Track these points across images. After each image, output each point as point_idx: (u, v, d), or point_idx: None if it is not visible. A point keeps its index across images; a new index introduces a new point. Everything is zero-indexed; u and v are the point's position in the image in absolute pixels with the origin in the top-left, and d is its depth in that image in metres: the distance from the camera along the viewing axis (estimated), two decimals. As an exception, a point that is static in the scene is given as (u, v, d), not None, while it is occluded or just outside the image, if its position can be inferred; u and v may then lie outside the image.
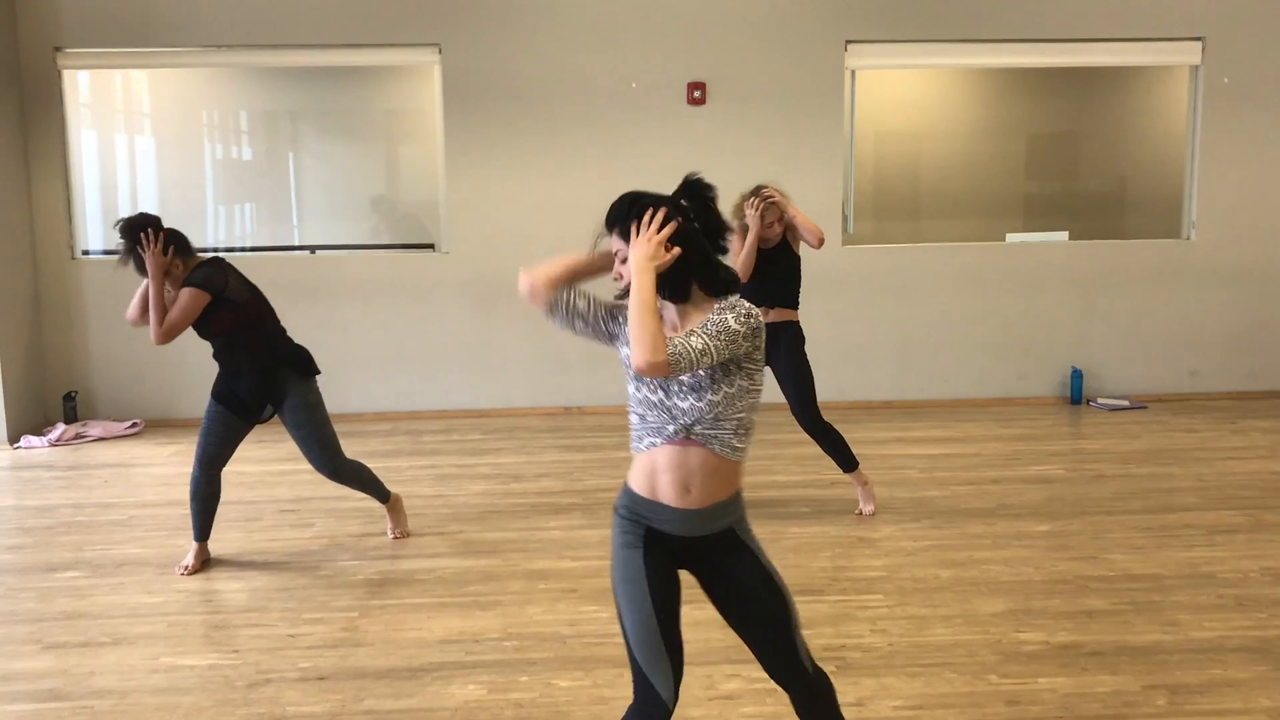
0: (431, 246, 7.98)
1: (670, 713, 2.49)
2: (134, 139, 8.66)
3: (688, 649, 3.46)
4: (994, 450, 6.63)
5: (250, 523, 5.40)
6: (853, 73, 8.68)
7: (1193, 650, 3.79)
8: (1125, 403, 7.80)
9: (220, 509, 5.51)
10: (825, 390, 7.73)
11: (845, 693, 3.50)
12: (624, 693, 3.48)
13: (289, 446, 6.91)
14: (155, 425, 7.56)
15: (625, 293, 2.52)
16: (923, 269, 7.91)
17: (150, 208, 8.39)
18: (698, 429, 2.46)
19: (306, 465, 6.40)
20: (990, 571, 4.56)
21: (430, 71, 7.67)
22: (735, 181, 7.76)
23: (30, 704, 3.52)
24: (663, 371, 2.31)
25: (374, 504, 5.67)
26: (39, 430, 7.26)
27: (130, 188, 8.46)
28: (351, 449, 6.84)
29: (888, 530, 5.13)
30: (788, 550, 4.83)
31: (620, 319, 2.57)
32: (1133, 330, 8.03)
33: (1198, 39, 7.80)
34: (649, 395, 2.48)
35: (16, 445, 7.06)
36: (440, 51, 7.53)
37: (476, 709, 3.44)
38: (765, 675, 2.81)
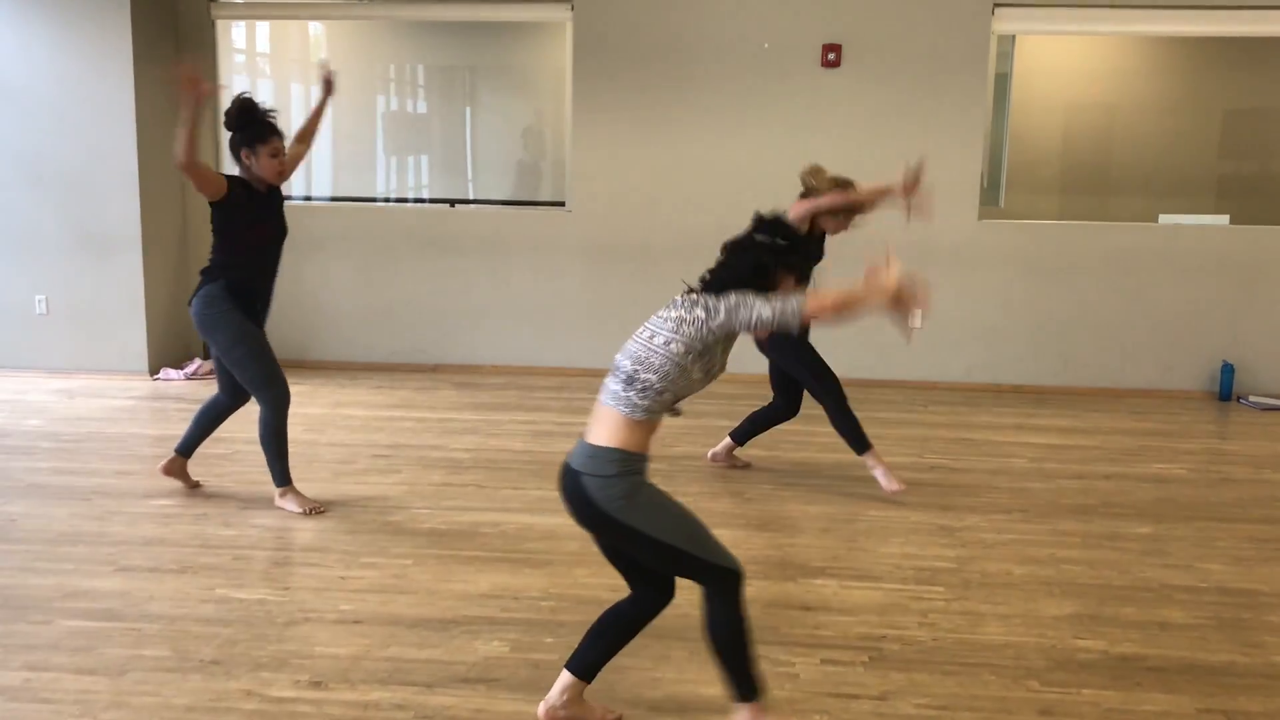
0: (563, 204, 8.01)
1: (744, 576, 2.91)
2: (288, 86, 8.99)
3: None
4: (1117, 444, 6.24)
5: (342, 465, 5.56)
6: (1013, 38, 8.27)
7: (1268, 675, 3.48)
8: (1279, 403, 7.23)
9: (316, 450, 5.77)
10: (950, 371, 7.49)
11: (869, 685, 3.38)
12: (641, 663, 3.46)
13: (401, 393, 7.14)
14: (287, 366, 7.77)
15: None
16: (1065, 248, 7.49)
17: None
18: None
19: (413, 413, 6.64)
20: (1069, 572, 4.30)
21: (563, 29, 7.67)
22: (868, 149, 7.55)
23: (86, 621, 3.72)
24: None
25: (460, 454, 5.78)
26: (179, 364, 7.66)
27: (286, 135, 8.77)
28: (463, 399, 7.03)
29: (973, 520, 4.90)
30: (859, 533, 4.67)
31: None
32: (1297, 325, 7.42)
33: (1393, 8, 7.09)
34: (697, 388, 2.87)
35: (156, 376, 7.47)
36: (573, 8, 7.51)
37: (494, 665, 3.45)
38: (788, 659, 3.04)
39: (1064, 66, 8.96)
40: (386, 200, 8.88)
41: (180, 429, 6.21)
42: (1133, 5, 7.23)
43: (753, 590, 4.05)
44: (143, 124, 7.31)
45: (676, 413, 2.89)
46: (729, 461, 5.67)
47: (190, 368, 7.54)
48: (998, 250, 7.49)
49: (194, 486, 5.10)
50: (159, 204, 7.56)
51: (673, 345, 2.77)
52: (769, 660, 3.51)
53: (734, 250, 2.97)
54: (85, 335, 7.48)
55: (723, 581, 2.86)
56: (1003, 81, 8.71)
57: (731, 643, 2.90)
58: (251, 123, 4.59)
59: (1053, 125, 9.09)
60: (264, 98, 8.46)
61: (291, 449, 4.95)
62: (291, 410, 4.86)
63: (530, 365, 7.85)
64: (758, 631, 3.68)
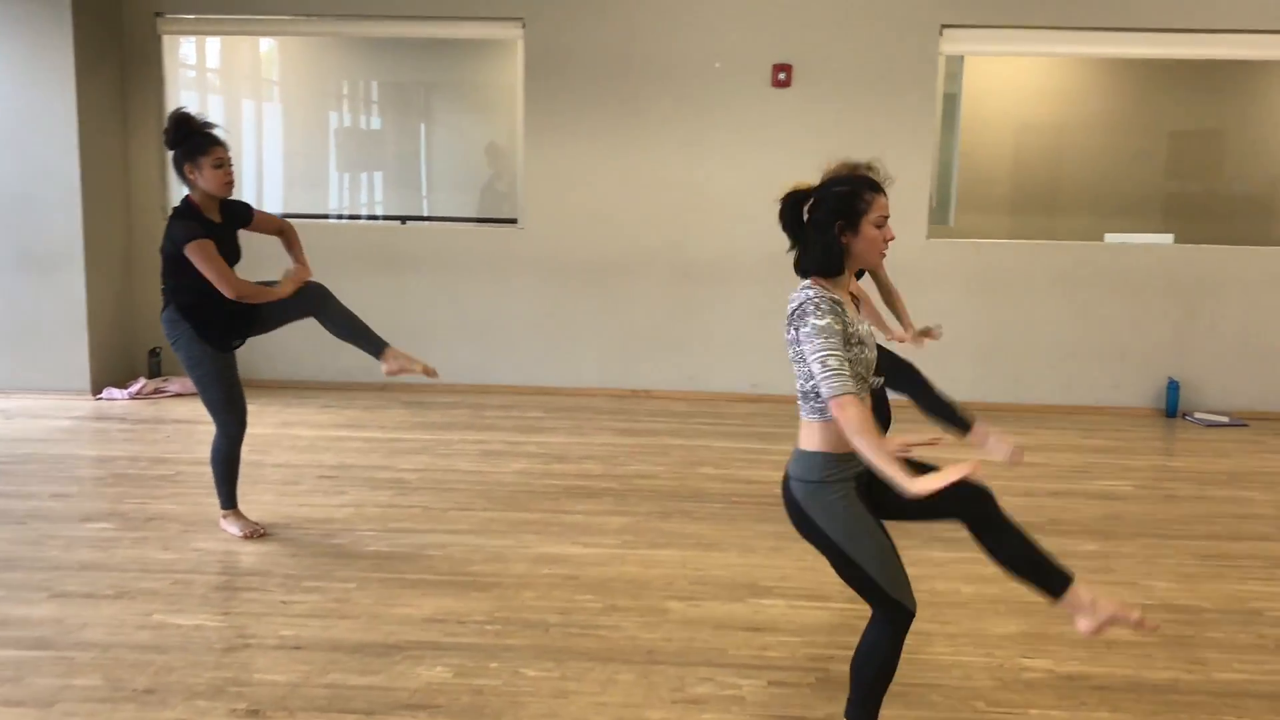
0: (515, 221, 7.96)
1: (914, 616, 2.89)
2: (239, 104, 8.91)
3: (670, 647, 3.42)
4: (1065, 461, 6.29)
5: (287, 486, 5.47)
6: (961, 59, 8.36)
7: (1210, 693, 3.50)
8: (1224, 419, 7.31)
9: (261, 471, 5.67)
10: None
11: (816, 708, 3.35)
12: (588, 688, 3.42)
13: (350, 413, 7.06)
14: (233, 385, 7.75)
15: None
16: (1013, 266, 7.55)
17: (249, 169, 8.67)
18: None
19: (361, 433, 6.56)
20: (1016, 590, 4.27)
21: (514, 46, 7.65)
22: (817, 167, 7.52)
23: (15, 650, 3.62)
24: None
25: (408, 474, 5.72)
26: (123, 384, 7.52)
27: (236, 151, 8.67)
28: (412, 419, 6.96)
29: (923, 538, 4.87)
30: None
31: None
32: (1240, 342, 7.52)
33: (1329, 32, 7.23)
34: (865, 356, 2.80)
35: (99, 396, 7.33)
36: (524, 25, 7.49)
37: (436, 691, 3.39)
38: (735, 680, 3.45)
39: (1014, 86, 9.06)
40: (339, 217, 8.80)
41: (123, 449, 6.13)
42: (1077, 27, 7.32)
43: (701, 611, 4.06)
44: (85, 140, 7.19)
45: (874, 385, 2.89)
46: None
47: (135, 387, 7.40)
48: (947, 269, 7.53)
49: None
50: (102, 221, 7.43)
51: (798, 359, 2.79)
52: (715, 682, 3.48)
53: (812, 203, 2.86)
54: (25, 354, 7.33)
55: (893, 615, 2.87)
56: (952, 101, 8.79)
57: (875, 675, 2.93)
58: (190, 135, 4.47)
59: (1002, 145, 9.18)
60: (215, 114, 8.49)
61: (240, 469, 4.86)
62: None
63: (482, 384, 7.79)
64: (705, 653, 3.68)
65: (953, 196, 8.99)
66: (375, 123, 9.45)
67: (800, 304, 2.75)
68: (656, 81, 7.47)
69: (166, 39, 7.78)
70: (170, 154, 4.55)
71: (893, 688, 3.35)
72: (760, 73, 7.43)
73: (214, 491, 4.80)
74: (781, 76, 7.40)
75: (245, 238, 4.69)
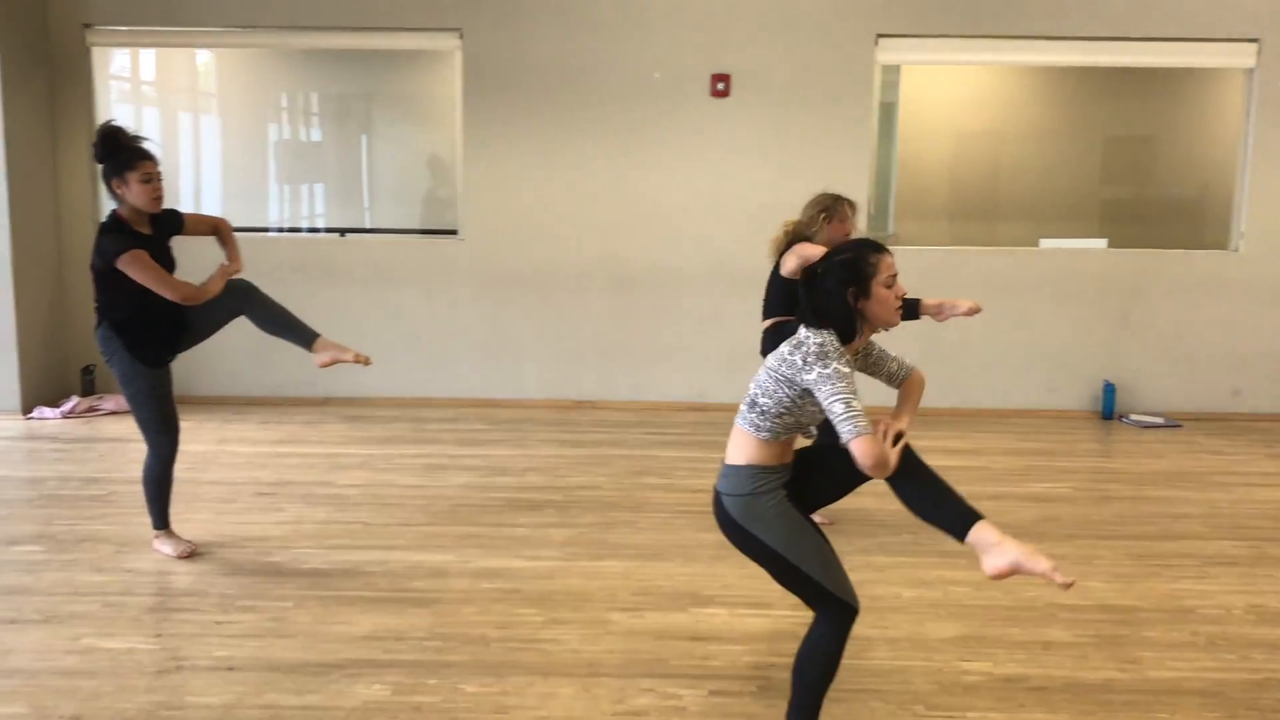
0: (455, 233, 7.91)
1: (857, 614, 2.96)
2: (176, 116, 8.77)
3: (612, 659, 3.40)
4: (1003, 465, 6.36)
5: (224, 504, 5.39)
6: (898, 68, 8.45)
7: (1144, 691, 3.54)
8: (1159, 420, 7.44)
9: (197, 489, 5.58)
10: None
11: (757, 716, 3.35)
12: (528, 703, 3.39)
13: (289, 428, 6.97)
14: (169, 401, 7.62)
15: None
16: (949, 273, 7.64)
17: (186, 182, 8.55)
18: None
19: (300, 448, 6.49)
20: (955, 594, 4.34)
21: (452, 57, 7.61)
22: (756, 175, 7.62)
23: (-61, 679, 3.52)
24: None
25: (347, 490, 5.66)
26: (55, 402, 7.37)
27: (173, 164, 8.53)
28: (352, 433, 6.88)
29: (864, 544, 4.92)
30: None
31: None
32: (1172, 345, 7.66)
33: (1253, 40, 7.40)
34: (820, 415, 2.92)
35: (30, 415, 7.18)
36: (461, 36, 7.46)
37: (374, 710, 3.34)
38: (677, 691, 3.47)
39: (952, 95, 9.17)
40: (279, 230, 8.67)
41: (54, 469, 6.00)
42: (1011, 36, 7.44)
43: (643, 622, 4.04)
44: (12, 153, 7.05)
45: (810, 435, 2.98)
46: None
47: (67, 405, 7.25)
48: (886, 275, 7.58)
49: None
50: (31, 236, 7.28)
51: (782, 387, 2.86)
52: (656, 693, 3.47)
53: (818, 274, 2.94)
54: (-47, 374, 7.16)
55: (837, 613, 2.93)
56: (890, 110, 8.88)
57: (818, 676, 2.97)
58: (118, 149, 4.38)
59: (941, 152, 9.28)
60: (151, 127, 8.36)
61: (175, 488, 4.77)
62: (177, 450, 4.69)
63: (423, 396, 7.73)
64: (647, 664, 3.67)
65: (891, 205, 9.08)
66: (316, 135, 9.35)
67: (824, 346, 2.83)
68: (596, 92, 7.48)
69: (96, 51, 7.64)
70: (100, 170, 4.47)
71: (833, 694, 3.37)
72: (699, 83, 7.45)
73: (147, 511, 4.71)
74: (720, 86, 7.43)
75: (183, 244, 4.61)
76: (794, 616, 4.08)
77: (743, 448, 2.93)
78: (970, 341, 7.64)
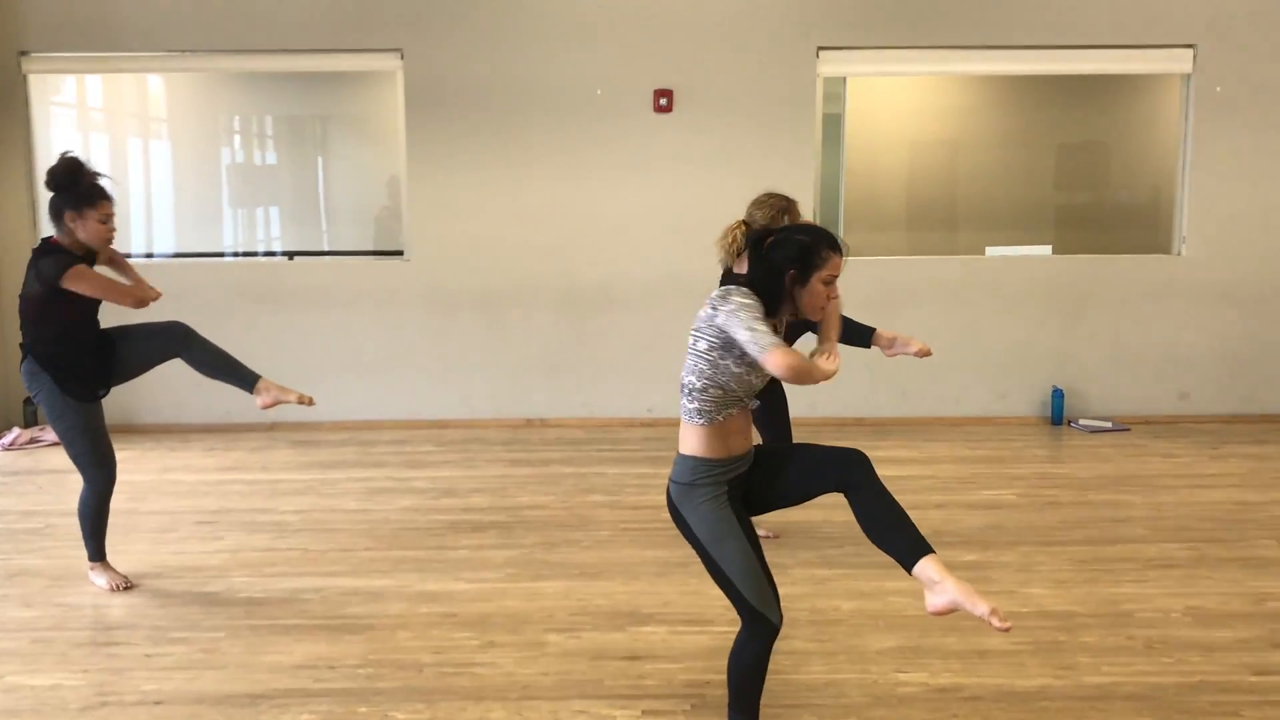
0: (401, 254, 7.87)
1: (778, 632, 2.98)
2: (124, 141, 8.68)
3: (546, 682, 3.38)
4: (951, 472, 6.38)
5: (162, 533, 5.31)
6: (844, 80, 8.50)
7: (1078, 697, 3.54)
8: (1107, 425, 7.48)
9: (136, 520, 5.51)
10: (796, 407, 7.49)
11: (689, 735, 3.32)
12: (448, 729, 3.34)
13: (235, 455, 6.90)
14: (115, 430, 7.43)
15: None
16: (896, 283, 7.66)
17: (137, 207, 8.46)
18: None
19: (244, 475, 6.41)
20: (895, 604, 4.33)
21: (394, 77, 7.58)
22: (701, 190, 7.62)
23: None
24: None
25: (289, 516, 5.60)
26: (-4, 434, 7.27)
27: (122, 189, 8.41)
28: (298, 459, 6.82)
29: (807, 556, 4.91)
30: (693, 576, 4.63)
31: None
32: (1119, 349, 7.71)
33: (1189, 46, 7.48)
34: (750, 379, 2.92)
35: (-30, 449, 7.07)
36: (403, 57, 7.44)
37: (300, 741, 3.30)
38: (609, 712, 3.46)
39: (900, 106, 9.23)
40: (234, 255, 8.57)
41: (3, 503, 5.89)
42: (950, 46, 7.49)
43: (580, 643, 4.02)
44: (-52, 184, 6.96)
45: (749, 405, 2.99)
46: None
47: (8, 438, 7.15)
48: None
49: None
50: (-31, 267, 7.18)
51: (699, 343, 2.90)
52: (589, 715, 3.44)
53: (772, 242, 2.97)
54: (-110, 408, 7.05)
55: (756, 627, 2.96)
56: (836, 121, 8.91)
57: (745, 680, 3.03)
58: (78, 184, 4.33)
59: (890, 163, 9.33)
60: (98, 152, 8.27)
61: (110, 519, 4.69)
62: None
63: (371, 420, 7.67)
64: (581, 685, 3.65)
65: (840, 216, 9.11)
66: (270, 158, 9.27)
67: (729, 290, 2.86)
68: (538, 109, 7.46)
69: (33, 78, 7.56)
70: (50, 197, 4.38)
71: (767, 711, 3.36)
72: (641, 98, 7.46)
73: (84, 544, 4.64)
74: (663, 102, 7.44)
75: None
76: (733, 632, 4.05)
77: (686, 438, 2.97)
78: (919, 350, 7.64)
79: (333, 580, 4.65)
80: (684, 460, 2.96)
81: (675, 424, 6.50)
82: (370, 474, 6.41)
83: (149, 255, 8.31)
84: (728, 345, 2.86)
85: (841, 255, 2.96)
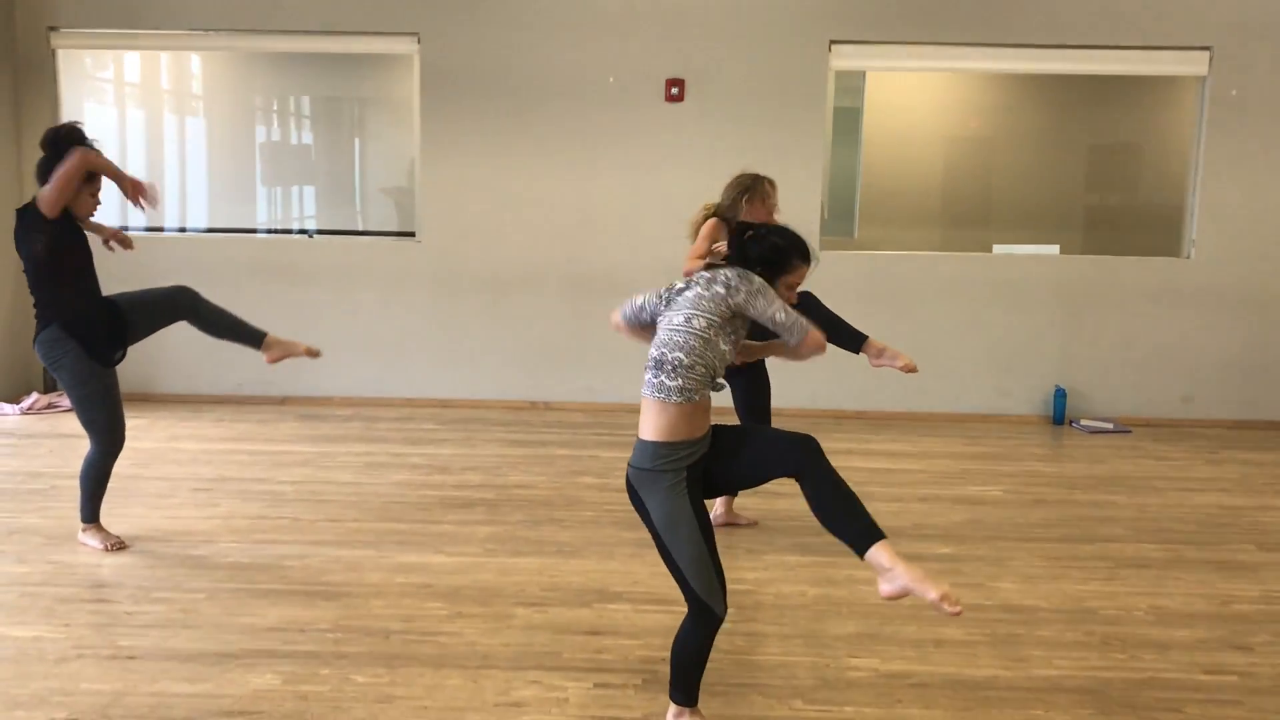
0: (413, 235, 7.99)
1: (721, 622, 3.05)
2: (150, 116, 8.87)
3: (506, 652, 3.49)
4: (942, 468, 6.42)
5: (160, 499, 5.47)
6: (863, 74, 8.53)
7: (1025, 688, 3.60)
8: (1109, 426, 7.48)
9: (137, 485, 5.67)
10: (797, 397, 7.57)
11: (635, 708, 3.42)
12: (414, 693, 3.47)
13: (242, 426, 7.05)
14: (131, 399, 7.61)
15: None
16: (901, 278, 7.69)
17: (178, 184, 8.65)
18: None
19: (248, 446, 6.57)
20: (861, 592, 4.40)
21: (397, 60, 7.70)
22: (711, 182, 7.65)
23: None
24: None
25: (284, 487, 5.74)
26: (14, 399, 7.47)
27: (145, 165, 8.61)
28: (303, 432, 6.96)
29: (783, 543, 4.99)
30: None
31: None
32: (1124, 351, 7.70)
33: (1205, 49, 7.44)
34: (727, 358, 3.06)
35: (-11, 411, 7.28)
36: (419, 41, 7.55)
37: (259, 697, 3.42)
38: (562, 683, 3.55)
39: (919, 100, 9.24)
40: (262, 231, 8.72)
41: (14, 464, 6.11)
42: (964, 43, 7.49)
43: (545, 616, 4.12)
44: (-26, 154, 7.16)
45: (718, 387, 3.06)
46: (730, 519, 5.18)
47: (27, 402, 7.35)
48: (840, 280, 7.61)
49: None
50: (-6, 235, 7.36)
51: (695, 320, 3.00)
52: (542, 685, 3.54)
53: (750, 236, 3.18)
54: (-86, 370, 7.27)
55: (700, 616, 3.04)
56: (854, 115, 8.94)
57: (687, 663, 3.12)
58: (77, 149, 4.49)
59: (907, 158, 9.34)
60: (133, 128, 8.47)
61: (113, 483, 4.85)
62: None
63: (379, 397, 7.81)
64: (539, 657, 3.75)
65: (856, 210, 9.13)
66: (306, 137, 9.40)
67: (745, 272, 3.05)
68: (551, 96, 7.55)
69: (61, 53, 7.75)
70: (42, 157, 4.54)
71: (714, 688, 3.44)
72: (653, 87, 7.53)
73: (80, 506, 4.79)
74: (674, 91, 7.51)
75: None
76: (695, 613, 4.14)
77: (653, 421, 3.01)
78: (922, 346, 7.63)
79: (316, 549, 4.78)
80: (645, 446, 3.01)
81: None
82: (370, 449, 6.54)
83: (181, 229, 8.50)
84: (729, 323, 3.00)
85: (809, 265, 3.15)
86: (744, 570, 4.60)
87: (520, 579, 4.48)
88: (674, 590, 4.29)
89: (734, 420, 4.65)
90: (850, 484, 2.93)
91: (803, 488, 2.97)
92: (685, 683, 3.16)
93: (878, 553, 2.87)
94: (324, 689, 3.49)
